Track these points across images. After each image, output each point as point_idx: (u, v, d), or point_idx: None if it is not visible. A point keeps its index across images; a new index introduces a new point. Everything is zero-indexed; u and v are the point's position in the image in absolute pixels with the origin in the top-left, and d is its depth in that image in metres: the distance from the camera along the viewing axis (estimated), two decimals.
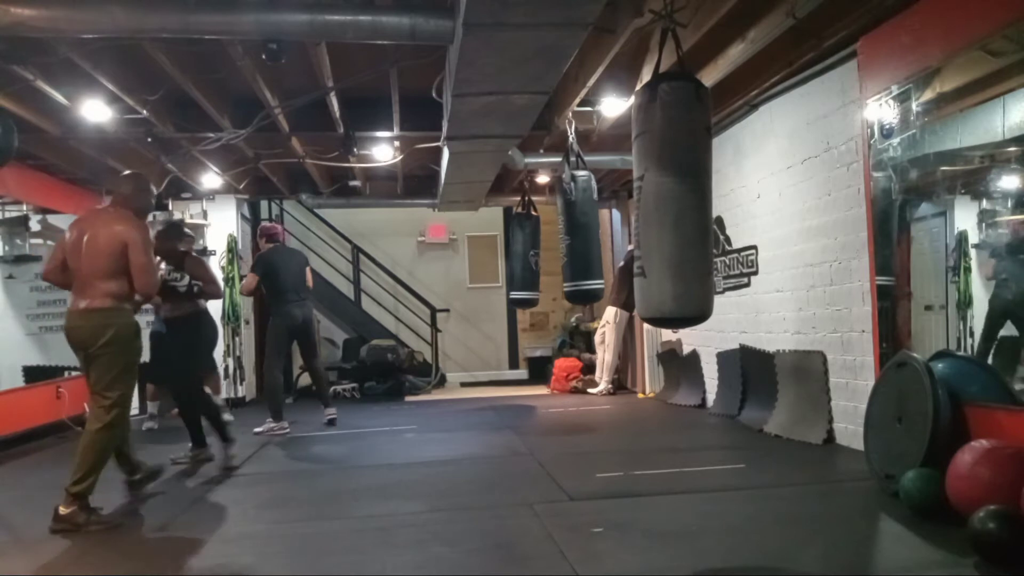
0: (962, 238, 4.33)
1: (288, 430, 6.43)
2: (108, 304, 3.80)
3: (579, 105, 5.83)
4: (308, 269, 6.80)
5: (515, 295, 8.12)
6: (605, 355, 8.69)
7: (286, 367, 9.89)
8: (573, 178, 6.27)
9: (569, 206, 6.32)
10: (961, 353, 4.10)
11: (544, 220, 8.25)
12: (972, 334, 4.18)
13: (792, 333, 5.53)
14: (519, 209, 8.17)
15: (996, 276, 4.13)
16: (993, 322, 4.12)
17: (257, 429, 6.36)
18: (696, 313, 3.34)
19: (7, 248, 7.52)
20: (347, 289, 10.88)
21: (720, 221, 6.57)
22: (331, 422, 6.76)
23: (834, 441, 4.94)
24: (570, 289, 6.51)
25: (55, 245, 4.19)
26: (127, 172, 4.37)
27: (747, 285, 6.27)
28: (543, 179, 8.40)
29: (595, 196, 6.44)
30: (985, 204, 4.25)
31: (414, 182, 8.93)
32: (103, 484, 3.85)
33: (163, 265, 5.08)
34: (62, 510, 3.63)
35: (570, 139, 6.22)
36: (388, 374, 9.58)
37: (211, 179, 7.90)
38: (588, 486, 4.18)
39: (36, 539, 3.57)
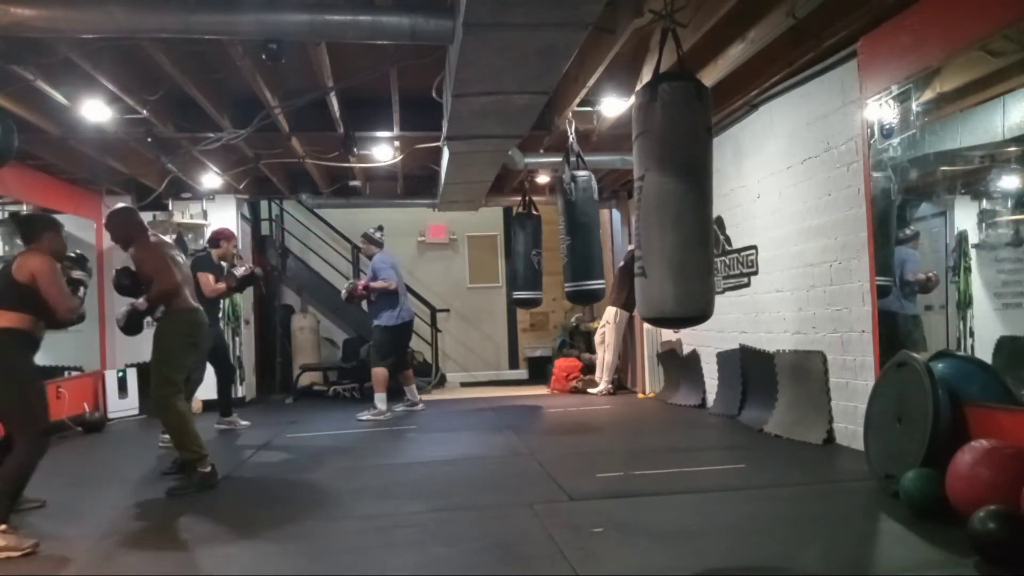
0: (962, 238, 4.31)
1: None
2: None
3: (579, 105, 5.83)
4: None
5: (518, 295, 8.15)
6: (605, 355, 8.67)
7: (284, 367, 9.97)
8: (573, 178, 6.27)
9: (569, 206, 6.32)
10: (961, 353, 4.10)
11: (545, 220, 8.25)
12: (972, 334, 4.18)
13: (792, 333, 5.53)
14: (520, 209, 8.17)
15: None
16: None
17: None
18: (697, 313, 3.34)
19: (7, 248, 7.51)
20: None
21: (720, 221, 6.57)
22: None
23: (834, 441, 4.94)
24: (571, 289, 6.50)
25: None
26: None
27: (747, 285, 6.27)
28: (543, 179, 8.41)
29: (595, 196, 6.44)
30: (985, 204, 4.25)
31: (414, 182, 8.93)
32: (103, 485, 3.85)
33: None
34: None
35: (570, 139, 6.22)
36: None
37: (211, 179, 7.89)
38: (588, 486, 4.18)
39: (35, 539, 3.56)
